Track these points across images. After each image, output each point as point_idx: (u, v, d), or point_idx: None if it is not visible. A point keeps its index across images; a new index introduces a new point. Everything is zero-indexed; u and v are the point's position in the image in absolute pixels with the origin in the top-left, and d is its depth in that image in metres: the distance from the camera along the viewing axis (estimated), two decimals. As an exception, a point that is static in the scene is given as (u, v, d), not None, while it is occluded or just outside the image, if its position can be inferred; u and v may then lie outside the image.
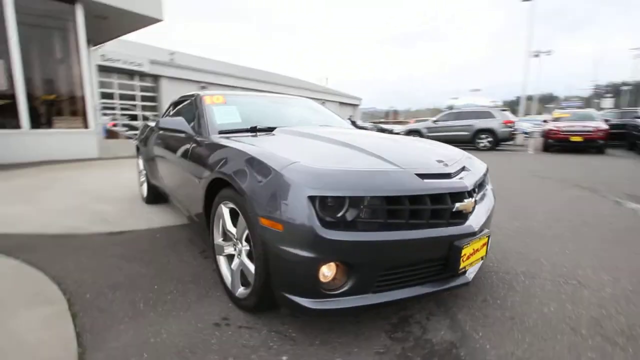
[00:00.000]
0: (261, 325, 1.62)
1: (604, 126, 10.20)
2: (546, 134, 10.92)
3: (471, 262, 1.59)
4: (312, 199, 1.33)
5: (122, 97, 18.07)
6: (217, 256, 1.96)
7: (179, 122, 2.45)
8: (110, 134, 12.16)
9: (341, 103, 37.40)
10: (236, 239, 1.75)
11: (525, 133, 14.10)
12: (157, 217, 3.39)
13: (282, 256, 1.38)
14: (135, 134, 3.98)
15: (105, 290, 1.95)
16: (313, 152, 1.75)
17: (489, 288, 1.99)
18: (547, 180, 5.73)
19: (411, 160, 1.65)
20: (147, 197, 3.80)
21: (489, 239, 1.70)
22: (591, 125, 10.20)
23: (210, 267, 2.25)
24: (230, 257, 1.88)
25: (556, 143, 10.53)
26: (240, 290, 1.73)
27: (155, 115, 17.63)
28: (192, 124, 2.60)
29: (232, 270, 1.79)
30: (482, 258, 1.69)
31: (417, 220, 1.45)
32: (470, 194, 1.62)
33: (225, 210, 1.80)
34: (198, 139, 2.31)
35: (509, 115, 11.85)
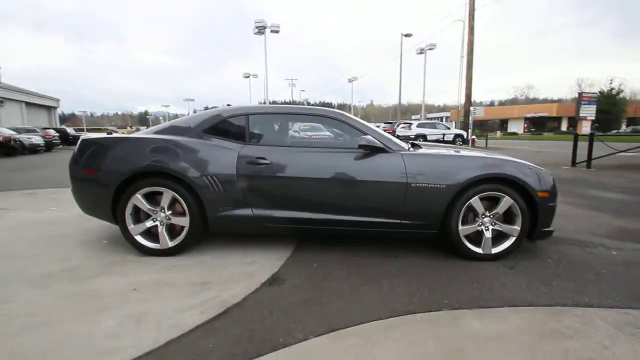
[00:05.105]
0: (533, 255, 2.72)
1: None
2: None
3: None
4: (553, 178, 2.73)
5: None
6: (461, 237, 2.66)
7: (373, 140, 2.60)
8: None
9: (29, 104, 26.54)
10: (486, 217, 2.66)
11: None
12: (264, 260, 2.67)
13: (549, 209, 2.65)
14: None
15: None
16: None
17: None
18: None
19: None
20: (185, 240, 2.67)
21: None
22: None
23: (417, 258, 2.74)
24: (471, 235, 2.68)
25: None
26: (496, 249, 2.67)
27: None
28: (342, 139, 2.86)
29: (485, 238, 2.66)
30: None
31: None
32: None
33: (477, 200, 2.62)
34: (404, 153, 2.65)
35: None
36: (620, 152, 8.67)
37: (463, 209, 2.62)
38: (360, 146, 2.60)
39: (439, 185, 2.59)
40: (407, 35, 25.15)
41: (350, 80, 36.61)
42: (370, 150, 2.65)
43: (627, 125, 43.78)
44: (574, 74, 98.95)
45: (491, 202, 2.68)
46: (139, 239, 2.68)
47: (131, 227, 2.66)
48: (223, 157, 2.66)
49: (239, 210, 2.67)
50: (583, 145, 8.95)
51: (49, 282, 2.25)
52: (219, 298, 2.05)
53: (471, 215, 2.70)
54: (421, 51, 24.72)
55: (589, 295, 2.13)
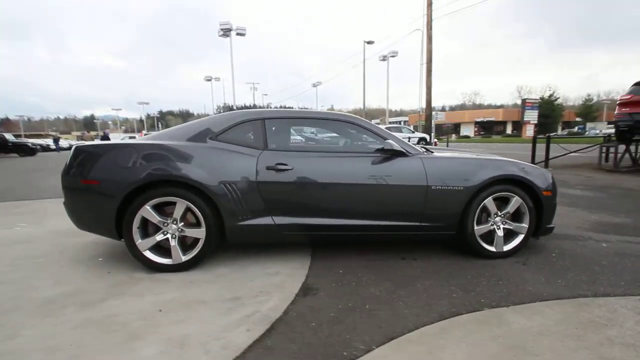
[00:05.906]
0: (536, 251, 2.88)
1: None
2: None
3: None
4: (553, 177, 2.93)
5: None
6: (477, 237, 2.76)
7: (393, 144, 2.62)
8: None
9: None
10: (498, 216, 2.78)
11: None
12: (289, 269, 2.55)
13: (552, 206, 2.85)
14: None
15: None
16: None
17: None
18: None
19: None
20: (201, 252, 2.49)
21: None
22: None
23: (428, 254, 2.80)
24: (484, 235, 2.79)
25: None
26: (507, 246, 2.81)
27: None
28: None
29: (497, 237, 2.78)
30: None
31: None
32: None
33: (491, 200, 2.74)
34: (423, 157, 2.70)
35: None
36: (572, 152, 9.60)
37: (478, 209, 2.73)
38: (381, 151, 2.61)
39: (457, 187, 2.67)
40: (369, 43, 26.03)
41: (314, 85, 37.13)
42: (391, 155, 2.67)
43: (563, 129, 48.66)
44: (515, 81, 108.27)
45: (501, 202, 2.82)
46: (148, 254, 2.46)
47: (139, 242, 2.43)
48: (241, 163, 2.52)
49: (259, 219, 2.54)
50: (538, 147, 9.81)
51: (55, 309, 1.98)
52: (258, 313, 1.93)
53: (484, 215, 2.82)
54: (384, 58, 25.74)
55: (602, 285, 2.31)
